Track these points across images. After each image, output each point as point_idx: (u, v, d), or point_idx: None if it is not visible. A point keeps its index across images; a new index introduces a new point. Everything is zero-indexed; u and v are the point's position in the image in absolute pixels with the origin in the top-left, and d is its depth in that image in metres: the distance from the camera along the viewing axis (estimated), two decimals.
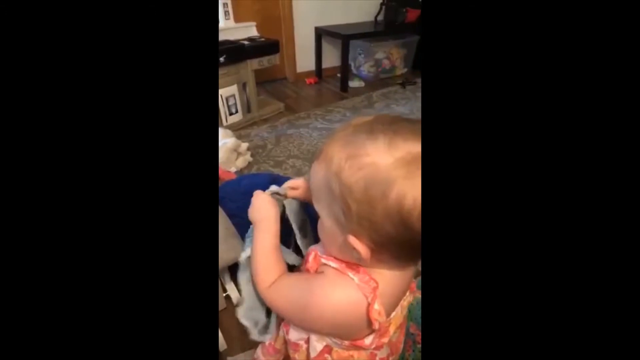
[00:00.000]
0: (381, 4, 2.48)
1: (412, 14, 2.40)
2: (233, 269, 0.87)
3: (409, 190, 0.29)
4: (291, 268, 0.49)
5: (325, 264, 0.39)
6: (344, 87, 2.32)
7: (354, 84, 2.40)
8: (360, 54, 2.48)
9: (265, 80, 2.40)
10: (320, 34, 2.40)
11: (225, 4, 1.73)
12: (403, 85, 2.37)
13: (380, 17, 2.52)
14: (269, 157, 1.52)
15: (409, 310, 0.57)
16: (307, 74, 2.53)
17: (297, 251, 0.53)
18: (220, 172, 1.20)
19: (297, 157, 1.52)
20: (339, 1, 2.40)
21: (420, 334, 0.79)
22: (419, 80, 2.43)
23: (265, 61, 1.81)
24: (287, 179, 0.58)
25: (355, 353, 0.42)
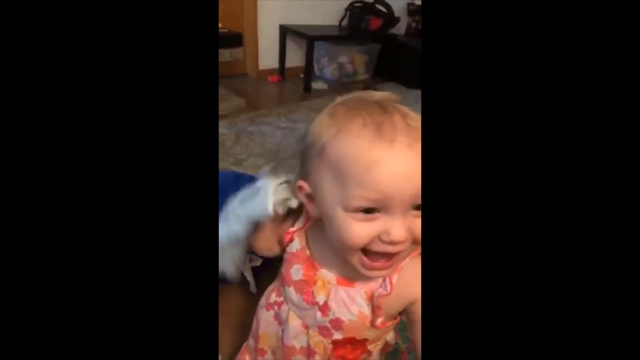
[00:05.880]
0: (346, 9, 2.52)
1: (375, 23, 2.47)
2: None
3: None
4: None
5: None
6: (307, 87, 2.30)
7: (317, 85, 2.39)
8: (324, 57, 2.49)
9: (226, 76, 2.31)
10: (285, 32, 2.37)
11: None
12: (365, 90, 2.42)
13: (344, 22, 2.55)
14: (228, 155, 1.45)
15: None
16: (270, 71, 2.47)
17: None
18: None
19: (259, 156, 1.47)
20: (306, 1, 2.39)
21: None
22: (379, 87, 2.50)
23: (227, 54, 1.73)
24: (251, 176, 0.54)
25: None
